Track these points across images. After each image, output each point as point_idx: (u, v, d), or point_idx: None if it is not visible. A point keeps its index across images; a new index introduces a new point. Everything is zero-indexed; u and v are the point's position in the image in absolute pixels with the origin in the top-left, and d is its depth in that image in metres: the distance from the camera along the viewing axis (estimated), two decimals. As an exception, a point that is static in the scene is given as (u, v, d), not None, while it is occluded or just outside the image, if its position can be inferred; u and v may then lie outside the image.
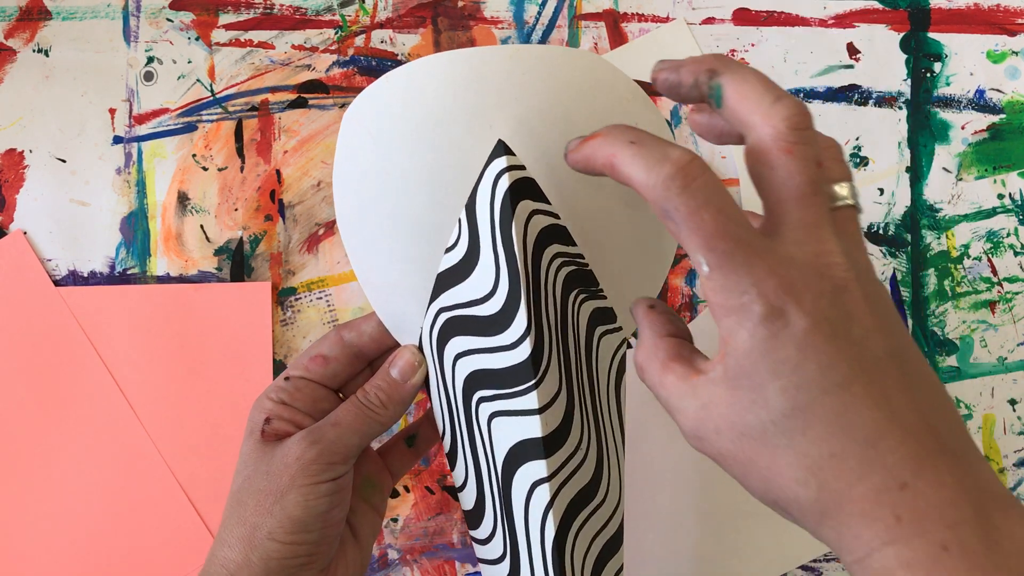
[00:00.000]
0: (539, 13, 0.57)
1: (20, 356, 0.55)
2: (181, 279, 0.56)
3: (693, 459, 0.55)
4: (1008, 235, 0.56)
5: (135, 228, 0.56)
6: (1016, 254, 0.56)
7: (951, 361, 0.56)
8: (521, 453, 0.36)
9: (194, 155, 0.56)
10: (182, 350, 0.55)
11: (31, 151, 0.56)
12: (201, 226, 0.56)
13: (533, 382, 0.35)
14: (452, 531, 0.56)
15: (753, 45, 0.57)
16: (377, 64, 0.57)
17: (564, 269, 0.37)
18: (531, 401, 0.35)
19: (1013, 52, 0.57)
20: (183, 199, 0.56)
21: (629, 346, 0.40)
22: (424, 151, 0.36)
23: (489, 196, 0.35)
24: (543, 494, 0.36)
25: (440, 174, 0.36)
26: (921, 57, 0.57)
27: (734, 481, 0.30)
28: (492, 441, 0.37)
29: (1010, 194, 0.56)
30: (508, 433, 0.36)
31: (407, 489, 0.56)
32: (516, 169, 0.35)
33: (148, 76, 0.57)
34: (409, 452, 0.45)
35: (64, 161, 0.56)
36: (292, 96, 0.57)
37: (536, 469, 0.36)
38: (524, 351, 0.35)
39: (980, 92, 0.57)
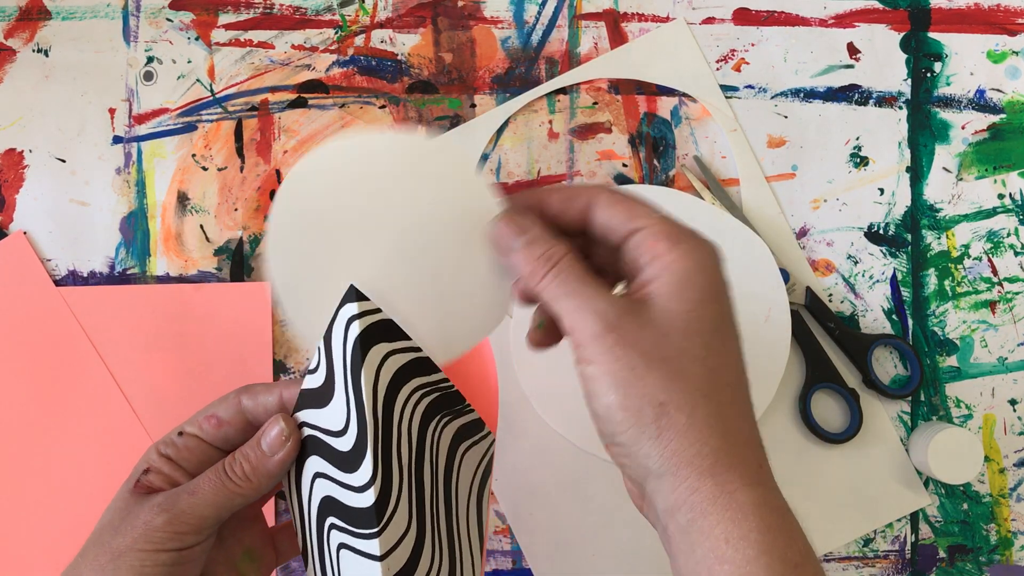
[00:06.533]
0: (539, 13, 0.57)
1: (21, 356, 0.55)
2: (181, 279, 0.56)
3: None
4: (1008, 235, 0.56)
5: (135, 228, 0.56)
6: (1016, 254, 0.56)
7: (951, 361, 0.56)
8: None
9: (194, 155, 0.56)
10: (182, 350, 0.55)
11: (31, 151, 0.56)
12: (201, 226, 0.56)
13: (375, 530, 0.35)
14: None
15: (753, 45, 0.57)
16: (377, 64, 0.57)
17: (425, 400, 0.38)
18: (373, 547, 0.35)
19: (1013, 52, 0.57)
20: (183, 199, 0.56)
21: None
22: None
23: (342, 339, 0.35)
24: None
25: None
26: (921, 57, 0.57)
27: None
28: (340, 568, 0.37)
29: (1010, 194, 0.56)
30: (354, 569, 0.36)
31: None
32: (369, 314, 0.35)
33: (148, 76, 0.57)
34: None
35: (64, 161, 0.56)
36: (292, 96, 0.57)
37: None
38: (368, 498, 0.35)
39: (980, 92, 0.57)
